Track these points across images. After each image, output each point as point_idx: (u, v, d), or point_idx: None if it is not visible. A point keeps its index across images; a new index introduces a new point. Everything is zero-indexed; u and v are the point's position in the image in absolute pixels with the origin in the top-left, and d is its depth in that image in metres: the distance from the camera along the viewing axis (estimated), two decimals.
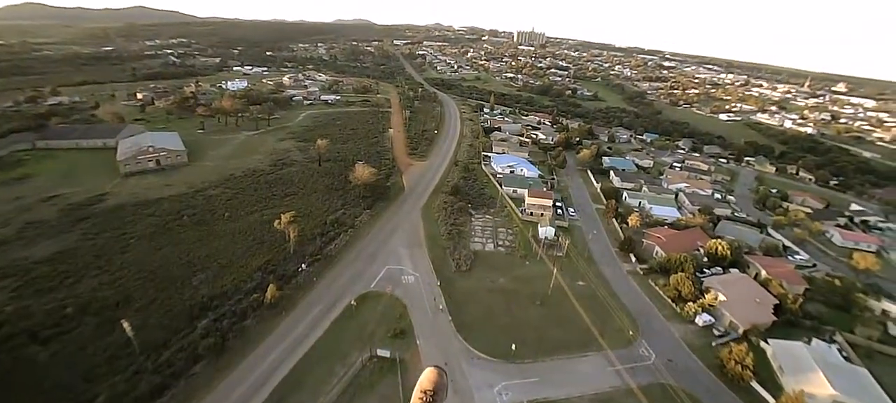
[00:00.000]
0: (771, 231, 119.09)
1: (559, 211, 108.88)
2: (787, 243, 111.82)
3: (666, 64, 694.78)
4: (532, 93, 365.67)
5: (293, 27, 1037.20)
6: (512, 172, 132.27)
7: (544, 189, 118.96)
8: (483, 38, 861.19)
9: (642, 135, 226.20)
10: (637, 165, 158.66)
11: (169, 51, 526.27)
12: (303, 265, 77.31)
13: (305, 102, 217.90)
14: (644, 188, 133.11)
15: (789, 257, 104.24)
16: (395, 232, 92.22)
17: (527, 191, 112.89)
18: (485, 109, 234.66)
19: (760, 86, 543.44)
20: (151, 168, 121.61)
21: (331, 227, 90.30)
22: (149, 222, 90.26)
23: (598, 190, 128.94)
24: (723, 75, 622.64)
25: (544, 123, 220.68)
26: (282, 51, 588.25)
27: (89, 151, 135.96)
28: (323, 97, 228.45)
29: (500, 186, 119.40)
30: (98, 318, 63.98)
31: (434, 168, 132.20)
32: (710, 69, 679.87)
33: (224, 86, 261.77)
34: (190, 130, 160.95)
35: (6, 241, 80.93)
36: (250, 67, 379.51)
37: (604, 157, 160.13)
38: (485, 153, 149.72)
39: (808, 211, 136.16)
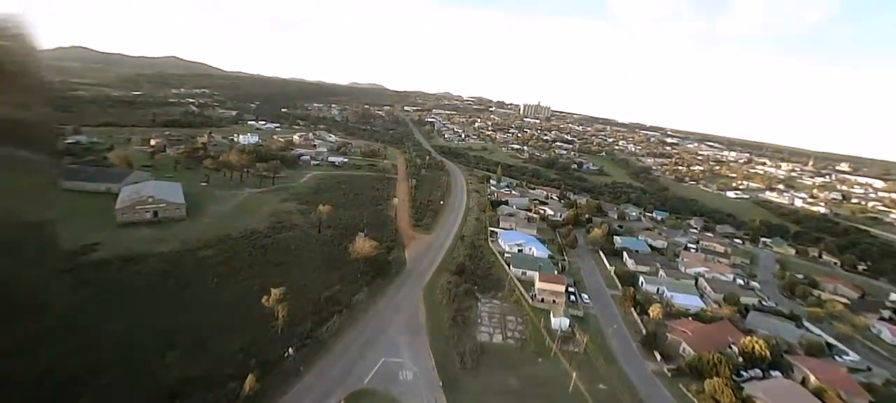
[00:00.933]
0: (808, 324, 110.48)
1: (572, 297, 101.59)
2: (831, 340, 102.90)
3: (668, 140, 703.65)
4: (538, 165, 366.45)
5: (310, 87, 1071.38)
6: (520, 251, 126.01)
7: (555, 271, 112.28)
8: (490, 109, 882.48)
9: (652, 213, 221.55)
10: (651, 246, 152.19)
11: (191, 100, 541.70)
12: (290, 349, 69.58)
13: (313, 162, 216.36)
14: (661, 272, 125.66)
15: (837, 358, 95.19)
16: (395, 317, 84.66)
17: (537, 274, 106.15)
18: (492, 181, 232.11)
19: (764, 164, 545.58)
20: (148, 219, 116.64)
21: (324, 306, 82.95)
22: (133, 282, 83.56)
23: (612, 273, 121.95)
24: (725, 152, 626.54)
25: (552, 198, 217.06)
26: (297, 108, 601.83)
27: (93, 195, 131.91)
28: (331, 158, 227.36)
29: (509, 267, 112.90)
30: (52, 395, 56.02)
31: (439, 243, 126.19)
32: (711, 146, 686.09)
33: (235, 140, 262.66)
34: (194, 182, 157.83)
35: None
36: (264, 122, 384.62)
37: (615, 237, 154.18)
38: (492, 228, 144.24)
39: (845, 301, 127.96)
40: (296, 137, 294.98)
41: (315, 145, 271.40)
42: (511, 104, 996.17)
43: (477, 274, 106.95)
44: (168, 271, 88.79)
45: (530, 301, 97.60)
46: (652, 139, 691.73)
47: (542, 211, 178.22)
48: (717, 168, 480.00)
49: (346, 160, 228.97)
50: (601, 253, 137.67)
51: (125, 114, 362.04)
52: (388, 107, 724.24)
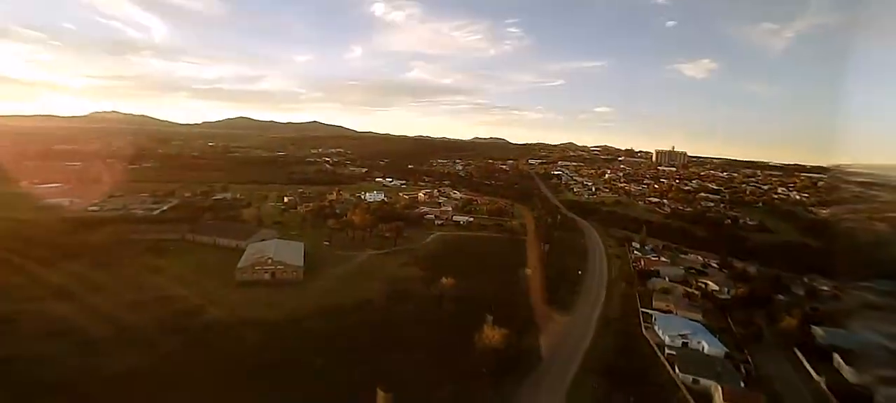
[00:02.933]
0: None
1: None
2: None
3: (850, 182, 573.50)
4: (683, 221, 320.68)
5: (435, 143, 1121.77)
6: (685, 345, 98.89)
7: (741, 382, 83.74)
8: (619, 159, 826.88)
9: (866, 284, 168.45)
10: (882, 343, 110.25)
11: (326, 159, 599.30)
12: None
13: (437, 222, 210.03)
14: None
15: None
16: None
17: (715, 385, 79.49)
18: (634, 244, 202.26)
19: None
20: (266, 280, 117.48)
21: None
22: (232, 351, 79.32)
23: (823, 387, 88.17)
24: None
25: (711, 266, 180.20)
26: (422, 165, 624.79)
27: (224, 251, 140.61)
28: (455, 217, 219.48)
29: (674, 369, 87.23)
30: None
31: (579, 327, 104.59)
32: None
33: (362, 197, 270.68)
34: (318, 241, 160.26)
35: (92, 343, 78.98)
36: (390, 180, 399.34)
37: (815, 327, 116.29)
38: (644, 309, 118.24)
39: None
40: (421, 194, 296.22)
41: (440, 203, 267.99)
42: (641, 152, 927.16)
43: (631, 376, 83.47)
44: (268, 346, 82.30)
45: None
46: (819, 184, 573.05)
47: (703, 286, 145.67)
48: None
49: (471, 220, 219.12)
50: (798, 352, 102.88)
51: (268, 171, 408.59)
52: (511, 161, 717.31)
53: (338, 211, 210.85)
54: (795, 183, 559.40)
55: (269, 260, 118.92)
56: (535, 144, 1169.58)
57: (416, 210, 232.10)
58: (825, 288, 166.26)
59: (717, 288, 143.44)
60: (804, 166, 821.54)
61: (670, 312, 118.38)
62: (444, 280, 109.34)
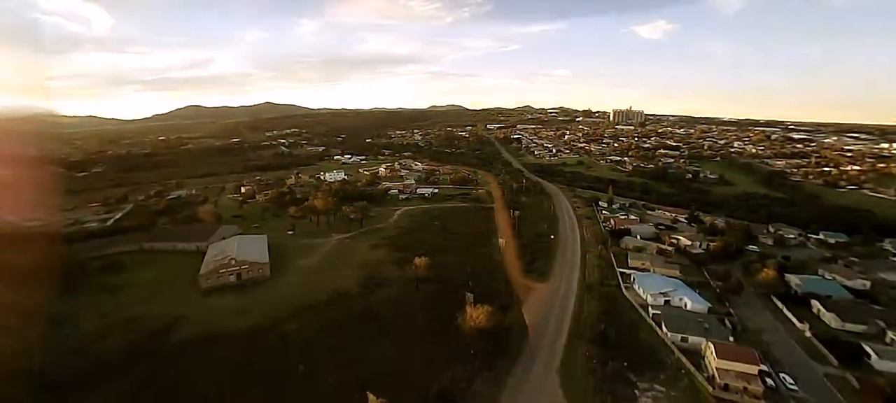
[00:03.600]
0: None
1: (769, 381, 71.42)
2: None
3: (795, 136, 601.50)
4: (646, 178, 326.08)
5: (392, 114, 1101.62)
6: (667, 303, 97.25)
7: (730, 337, 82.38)
8: (577, 120, 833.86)
9: (818, 235, 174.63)
10: (847, 287, 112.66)
11: (282, 140, 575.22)
12: None
13: (401, 197, 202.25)
14: (891, 335, 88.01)
15: None
16: None
17: (706, 341, 77.67)
18: (601, 203, 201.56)
19: None
20: (232, 282, 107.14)
21: None
22: (210, 374, 70.72)
23: (808, 336, 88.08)
24: (883, 144, 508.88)
25: (680, 220, 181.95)
26: (380, 138, 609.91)
27: (184, 256, 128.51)
28: (420, 190, 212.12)
29: (661, 328, 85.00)
30: None
31: (560, 295, 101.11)
32: (857, 138, 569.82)
33: (322, 178, 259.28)
34: (281, 231, 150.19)
35: (58, 387, 66.71)
36: (350, 156, 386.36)
37: (788, 275, 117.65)
38: (621, 270, 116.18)
39: None
40: (382, 169, 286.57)
41: (402, 176, 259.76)
42: (599, 112, 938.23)
43: (623, 342, 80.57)
44: (248, 359, 74.04)
45: (710, 388, 69.50)
46: (772, 136, 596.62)
47: (675, 241, 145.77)
48: (882, 166, 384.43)
49: (436, 190, 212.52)
50: (776, 301, 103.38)
51: (224, 161, 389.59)
52: (470, 128, 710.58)
53: (299, 196, 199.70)
54: (751, 136, 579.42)
55: (233, 261, 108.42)
56: (492, 109, 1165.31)
57: (379, 186, 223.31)
58: (791, 236, 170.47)
59: (689, 242, 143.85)
60: (757, 120, 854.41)
61: (647, 270, 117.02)
62: (417, 260, 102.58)
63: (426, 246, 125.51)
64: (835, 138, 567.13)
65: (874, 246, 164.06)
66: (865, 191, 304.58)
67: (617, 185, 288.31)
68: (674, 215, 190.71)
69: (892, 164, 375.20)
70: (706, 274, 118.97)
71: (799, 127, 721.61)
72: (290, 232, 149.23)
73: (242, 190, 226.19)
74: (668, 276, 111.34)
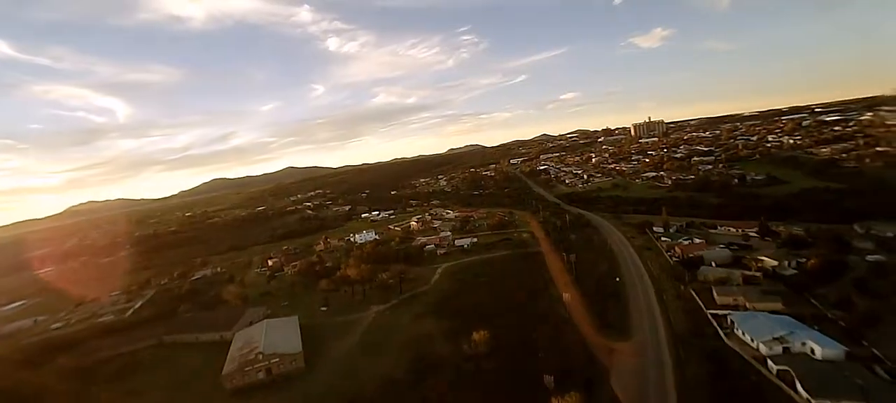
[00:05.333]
0: None
1: None
2: None
3: (827, 119, 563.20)
4: (689, 190, 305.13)
5: (412, 163, 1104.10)
6: (786, 351, 78.70)
7: None
8: (599, 140, 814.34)
9: None
10: None
11: (307, 203, 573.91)
12: None
13: (439, 252, 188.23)
14: None
15: None
16: None
17: None
18: (656, 229, 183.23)
19: None
20: (262, 380, 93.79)
21: None
22: None
23: None
24: None
25: (751, 235, 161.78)
26: (405, 188, 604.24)
27: (208, 348, 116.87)
28: (457, 242, 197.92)
29: (794, 390, 66.85)
30: None
31: (651, 355, 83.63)
32: (893, 110, 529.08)
33: (352, 240, 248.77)
34: (312, 308, 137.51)
35: None
36: (378, 213, 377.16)
37: None
38: (712, 312, 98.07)
39: None
40: (413, 222, 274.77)
41: (436, 228, 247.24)
42: (618, 129, 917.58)
43: None
44: None
45: None
46: (804, 123, 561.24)
47: (760, 263, 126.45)
48: None
49: (475, 240, 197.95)
50: None
51: (248, 232, 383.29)
52: (493, 165, 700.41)
53: (329, 264, 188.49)
54: (782, 127, 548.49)
55: (260, 355, 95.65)
56: (510, 143, 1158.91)
57: (414, 242, 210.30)
58: (889, 234, 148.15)
59: (776, 262, 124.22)
60: (780, 109, 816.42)
61: (743, 308, 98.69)
62: (475, 335, 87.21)
63: (478, 310, 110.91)
64: (870, 114, 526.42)
65: None
66: None
67: (662, 204, 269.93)
68: (741, 230, 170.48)
69: None
70: (815, 302, 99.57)
71: (827, 108, 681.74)
72: (323, 309, 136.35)
73: (269, 263, 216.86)
74: (772, 313, 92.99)
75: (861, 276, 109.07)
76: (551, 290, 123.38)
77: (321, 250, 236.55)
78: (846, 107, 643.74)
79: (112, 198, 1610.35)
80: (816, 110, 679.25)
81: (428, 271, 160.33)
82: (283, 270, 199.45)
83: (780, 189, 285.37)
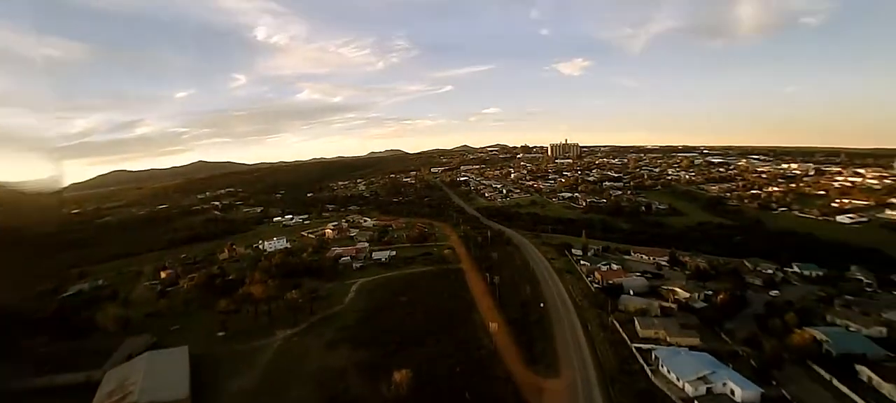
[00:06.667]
0: None
1: None
2: None
3: (714, 160, 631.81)
4: (602, 214, 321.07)
5: (332, 164, 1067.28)
6: (709, 391, 79.10)
7: None
8: (517, 156, 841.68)
9: (791, 267, 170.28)
10: (871, 339, 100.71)
11: (216, 202, 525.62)
12: None
13: (355, 265, 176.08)
14: None
15: None
16: None
17: None
18: (575, 251, 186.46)
19: (839, 173, 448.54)
20: None
21: None
22: None
23: None
24: (784, 166, 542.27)
25: (662, 264, 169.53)
26: (323, 191, 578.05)
27: (64, 396, 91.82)
28: (375, 255, 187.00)
29: None
30: None
31: (582, 397, 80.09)
32: (761, 159, 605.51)
33: (260, 247, 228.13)
34: (209, 332, 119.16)
35: None
36: (291, 217, 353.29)
37: (806, 327, 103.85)
38: (635, 345, 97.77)
39: None
40: (328, 230, 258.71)
41: (352, 237, 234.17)
42: (536, 147, 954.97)
43: None
44: None
45: None
46: (696, 162, 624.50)
47: (673, 294, 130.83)
48: (794, 186, 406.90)
49: (393, 253, 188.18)
50: (819, 369, 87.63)
51: (144, 236, 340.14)
52: (414, 172, 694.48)
53: (232, 277, 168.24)
54: (679, 163, 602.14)
55: None
56: (432, 151, 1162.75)
57: (328, 253, 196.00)
58: (769, 271, 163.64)
59: (687, 294, 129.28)
60: (676, 147, 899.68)
61: (664, 341, 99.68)
62: (396, 375, 77.73)
63: (397, 337, 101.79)
64: (744, 161, 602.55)
65: (848, 276, 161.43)
66: (795, 213, 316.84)
67: (575, 225, 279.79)
68: (653, 259, 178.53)
69: (802, 185, 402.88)
70: (725, 337, 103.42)
71: (711, 150, 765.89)
72: (221, 334, 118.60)
73: (163, 274, 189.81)
74: (690, 348, 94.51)
75: (760, 313, 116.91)
76: (474, 315, 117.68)
77: (225, 259, 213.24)
78: (726, 152, 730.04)
79: None
80: (704, 151, 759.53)
81: (342, 287, 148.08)
82: (178, 283, 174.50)
83: (679, 220, 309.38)
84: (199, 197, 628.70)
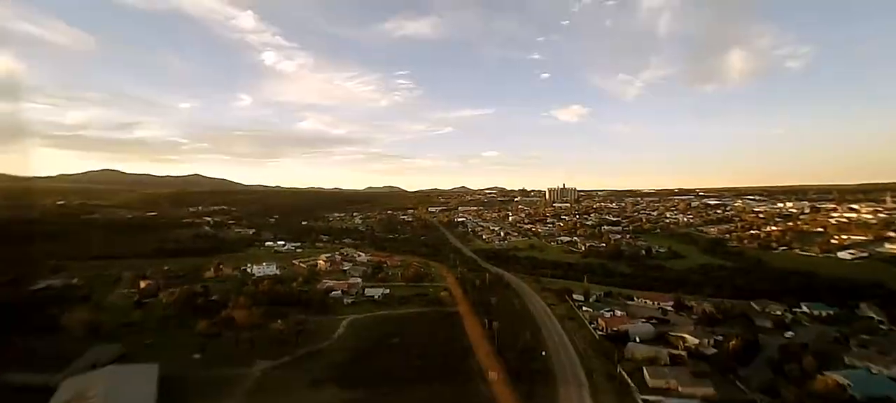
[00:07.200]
0: None
1: None
2: None
3: (710, 202, 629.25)
4: (602, 258, 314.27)
5: (329, 195, 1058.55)
6: None
7: None
8: (515, 200, 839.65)
9: (800, 308, 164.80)
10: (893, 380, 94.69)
11: (207, 218, 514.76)
12: None
13: (346, 300, 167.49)
14: None
15: None
16: None
17: None
18: (576, 296, 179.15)
19: (834, 209, 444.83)
20: None
21: None
22: None
23: None
24: (779, 205, 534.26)
25: (667, 309, 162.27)
26: (317, 220, 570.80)
27: (14, 398, 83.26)
28: (368, 291, 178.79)
29: None
30: None
31: None
32: (757, 200, 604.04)
33: (248, 270, 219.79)
34: (184, 354, 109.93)
35: None
36: (284, 243, 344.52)
37: (828, 372, 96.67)
38: (645, 397, 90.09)
39: None
40: (321, 261, 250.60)
41: (345, 270, 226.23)
42: (534, 191, 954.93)
43: None
44: None
45: None
46: (693, 204, 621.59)
47: (682, 341, 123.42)
48: (792, 224, 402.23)
49: (387, 291, 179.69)
50: None
51: (130, 240, 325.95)
52: (411, 210, 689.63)
53: (215, 297, 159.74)
54: (677, 206, 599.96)
55: None
56: (429, 190, 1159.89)
57: (319, 285, 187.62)
58: (777, 312, 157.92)
59: (696, 341, 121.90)
60: (672, 190, 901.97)
61: (675, 391, 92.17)
62: None
63: (388, 380, 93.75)
64: (740, 201, 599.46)
65: (859, 314, 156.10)
66: (796, 251, 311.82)
67: (575, 269, 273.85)
68: (657, 303, 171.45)
69: (799, 223, 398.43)
70: (741, 385, 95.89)
71: (707, 192, 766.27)
72: (197, 356, 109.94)
73: (142, 283, 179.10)
74: (704, 399, 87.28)
75: (775, 358, 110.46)
76: (471, 361, 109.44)
77: (211, 278, 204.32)
78: (721, 194, 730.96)
79: None
80: (700, 194, 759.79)
81: (331, 322, 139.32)
82: (157, 295, 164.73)
83: (680, 263, 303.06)
84: (191, 209, 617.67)
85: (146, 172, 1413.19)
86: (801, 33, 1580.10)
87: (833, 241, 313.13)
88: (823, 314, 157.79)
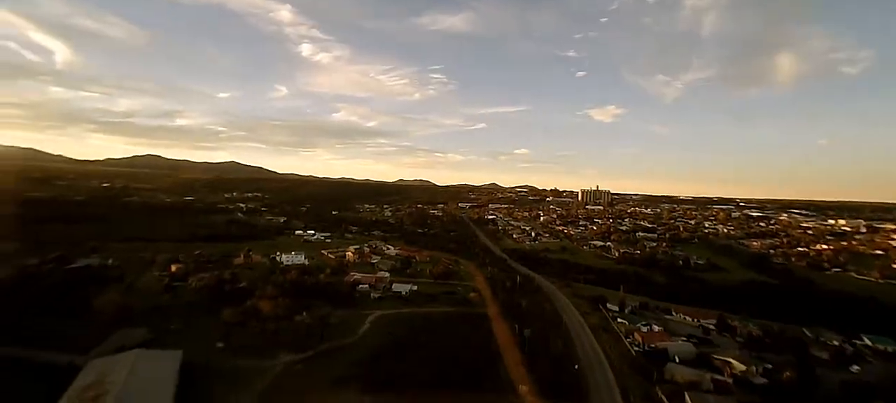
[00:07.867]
0: None
1: None
2: None
3: (752, 213, 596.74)
4: (636, 266, 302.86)
5: (360, 186, 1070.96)
6: None
7: None
8: (547, 200, 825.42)
9: (861, 340, 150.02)
10: None
11: (241, 204, 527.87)
12: None
13: (373, 294, 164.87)
14: None
15: None
16: None
17: None
18: (610, 306, 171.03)
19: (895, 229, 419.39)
20: None
21: None
22: None
23: None
24: (830, 221, 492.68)
25: (709, 328, 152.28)
26: (348, 211, 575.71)
27: (43, 373, 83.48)
28: (395, 286, 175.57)
29: None
30: None
31: None
32: (805, 214, 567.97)
33: (277, 259, 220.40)
34: (208, 341, 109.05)
35: None
36: (313, 233, 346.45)
37: None
38: None
39: None
40: (350, 252, 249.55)
41: (373, 263, 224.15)
42: (566, 192, 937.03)
43: None
44: None
45: None
46: (733, 215, 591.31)
47: (728, 365, 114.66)
48: (845, 244, 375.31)
49: (414, 287, 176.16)
50: None
51: (166, 223, 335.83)
52: (441, 205, 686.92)
53: (243, 284, 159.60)
54: (716, 215, 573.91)
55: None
56: (459, 185, 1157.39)
57: (346, 277, 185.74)
58: (835, 342, 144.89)
59: (744, 367, 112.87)
60: (711, 198, 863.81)
61: None
62: None
63: (413, 384, 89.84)
64: (785, 215, 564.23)
65: None
66: (852, 274, 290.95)
67: (607, 275, 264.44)
68: (697, 320, 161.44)
69: (855, 243, 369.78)
70: None
71: (748, 202, 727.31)
72: (220, 345, 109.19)
73: (173, 267, 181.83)
74: None
75: (834, 394, 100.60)
76: (500, 369, 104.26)
77: (239, 263, 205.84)
78: (763, 205, 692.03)
79: (18, 146, 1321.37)
80: (741, 204, 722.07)
81: (357, 317, 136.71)
82: (187, 280, 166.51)
83: (720, 275, 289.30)
84: (226, 196, 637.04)
85: (185, 158, 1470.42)
86: (861, 37, 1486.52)
87: (895, 266, 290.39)
88: (889, 349, 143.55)
